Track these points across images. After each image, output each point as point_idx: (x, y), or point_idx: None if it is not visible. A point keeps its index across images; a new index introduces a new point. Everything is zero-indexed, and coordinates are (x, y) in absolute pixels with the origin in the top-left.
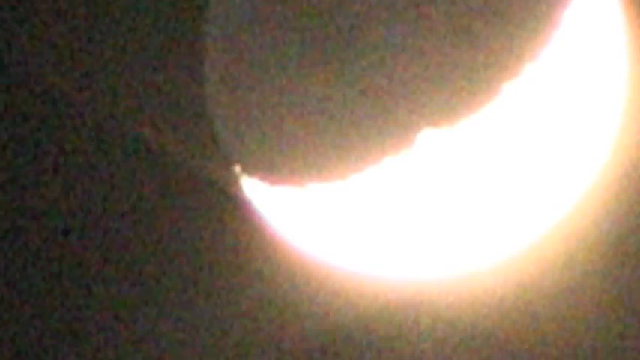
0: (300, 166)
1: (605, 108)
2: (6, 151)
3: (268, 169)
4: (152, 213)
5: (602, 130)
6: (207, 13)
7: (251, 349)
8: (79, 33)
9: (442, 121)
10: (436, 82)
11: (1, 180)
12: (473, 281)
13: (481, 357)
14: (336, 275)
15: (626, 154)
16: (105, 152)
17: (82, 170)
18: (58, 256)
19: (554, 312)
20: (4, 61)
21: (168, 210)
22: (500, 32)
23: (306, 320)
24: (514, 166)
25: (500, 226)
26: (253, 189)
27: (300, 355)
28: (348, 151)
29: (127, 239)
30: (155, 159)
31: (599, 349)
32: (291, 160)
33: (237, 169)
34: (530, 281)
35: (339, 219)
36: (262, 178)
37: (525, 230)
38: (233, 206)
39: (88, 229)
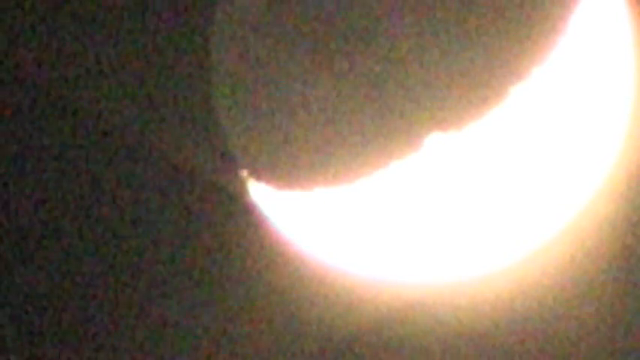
0: (308, 170)
1: (611, 112)
2: (13, 154)
3: (276, 173)
4: (160, 216)
5: (609, 134)
6: (214, 20)
7: (256, 352)
8: (87, 36)
9: (449, 125)
10: (444, 86)
11: (10, 184)
12: (480, 285)
13: None
14: (343, 279)
15: (633, 158)
16: (113, 157)
17: (91, 175)
18: (66, 260)
19: (560, 316)
20: (9, 65)
21: (176, 214)
22: (508, 36)
23: (312, 323)
24: (522, 169)
25: (508, 230)
26: (261, 193)
27: (305, 356)
28: (355, 155)
29: (135, 242)
30: (163, 163)
31: (607, 352)
32: (298, 165)
33: (245, 173)
34: (536, 285)
35: (346, 223)
36: (270, 182)
37: (533, 234)
38: (241, 210)
39: (96, 233)
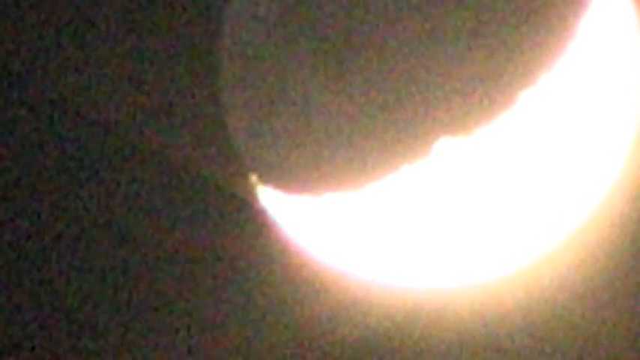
0: (317, 174)
1: (620, 118)
2: (23, 156)
3: (285, 177)
4: (168, 221)
5: (617, 140)
6: (222, 23)
7: (264, 355)
8: (93, 38)
9: (458, 130)
10: (453, 91)
11: (17, 186)
12: (486, 291)
13: None
14: (351, 284)
15: None
16: (120, 161)
17: (97, 179)
18: (71, 265)
19: (567, 321)
20: (15, 66)
21: (185, 218)
22: (517, 41)
23: (320, 327)
24: (530, 175)
25: (517, 235)
26: (270, 198)
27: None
28: (364, 160)
29: (143, 247)
30: (172, 168)
31: (614, 357)
32: (307, 169)
33: (254, 178)
34: (544, 291)
35: (354, 228)
36: (279, 187)
37: (542, 239)
38: (250, 215)
39: (102, 237)
